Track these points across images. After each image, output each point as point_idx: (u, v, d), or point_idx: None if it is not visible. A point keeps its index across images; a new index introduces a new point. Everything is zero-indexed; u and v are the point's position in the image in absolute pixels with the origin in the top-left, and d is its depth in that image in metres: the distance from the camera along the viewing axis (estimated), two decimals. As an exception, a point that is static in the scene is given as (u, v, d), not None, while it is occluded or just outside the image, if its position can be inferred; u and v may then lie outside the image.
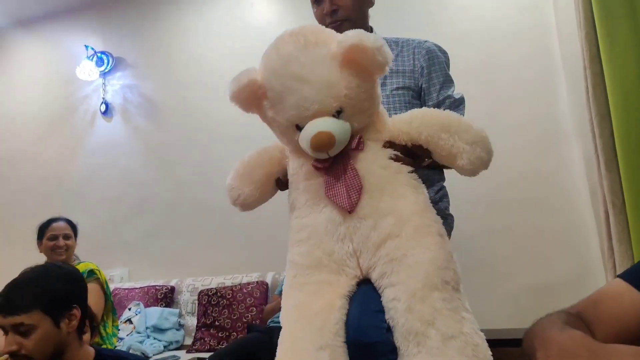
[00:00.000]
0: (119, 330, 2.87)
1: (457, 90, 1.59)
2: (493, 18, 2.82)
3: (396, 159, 1.19)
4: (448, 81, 1.58)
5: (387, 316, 1.08)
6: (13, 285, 1.37)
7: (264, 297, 2.85)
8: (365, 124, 1.20)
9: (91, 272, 2.43)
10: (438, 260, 1.09)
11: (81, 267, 2.44)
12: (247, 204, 1.31)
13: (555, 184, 2.63)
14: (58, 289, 1.41)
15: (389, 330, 1.08)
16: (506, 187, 2.65)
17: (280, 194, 1.38)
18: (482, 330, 1.06)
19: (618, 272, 1.88)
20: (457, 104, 1.54)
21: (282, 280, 2.74)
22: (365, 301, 1.13)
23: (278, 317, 2.33)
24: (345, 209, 1.14)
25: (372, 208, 1.14)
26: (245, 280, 2.98)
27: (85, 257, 2.69)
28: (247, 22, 3.46)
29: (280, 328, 2.32)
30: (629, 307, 0.83)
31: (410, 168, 1.20)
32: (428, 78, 1.56)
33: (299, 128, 1.15)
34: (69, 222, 2.57)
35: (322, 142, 1.10)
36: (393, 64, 1.37)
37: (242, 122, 3.33)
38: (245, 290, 2.86)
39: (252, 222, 3.23)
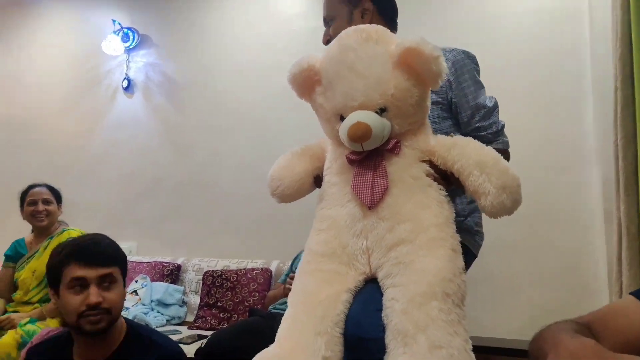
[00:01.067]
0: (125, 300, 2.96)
1: (488, 94, 1.57)
2: (523, 26, 2.83)
3: (432, 177, 1.21)
4: (478, 88, 1.54)
5: (382, 314, 1.10)
6: (94, 242, 1.39)
7: (267, 283, 2.92)
8: (406, 130, 1.22)
9: None
10: (444, 272, 1.09)
11: (62, 238, 2.44)
12: (285, 195, 1.35)
13: (570, 203, 2.65)
14: (122, 252, 1.46)
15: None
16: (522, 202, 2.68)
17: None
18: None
19: (623, 296, 1.90)
20: (491, 112, 1.51)
21: (286, 269, 2.81)
22: (368, 299, 1.16)
23: (280, 303, 2.42)
24: (365, 204, 1.17)
25: (393, 211, 1.16)
26: (250, 266, 3.05)
27: (95, 229, 2.74)
28: (274, 11, 3.50)
29: (281, 314, 2.38)
30: (638, 323, 0.84)
31: (440, 186, 1.22)
32: (458, 91, 1.52)
33: (342, 119, 1.20)
34: (50, 188, 2.57)
35: (359, 133, 1.13)
36: None
37: (261, 111, 3.43)
38: (249, 275, 2.93)
39: (262, 212, 3.30)
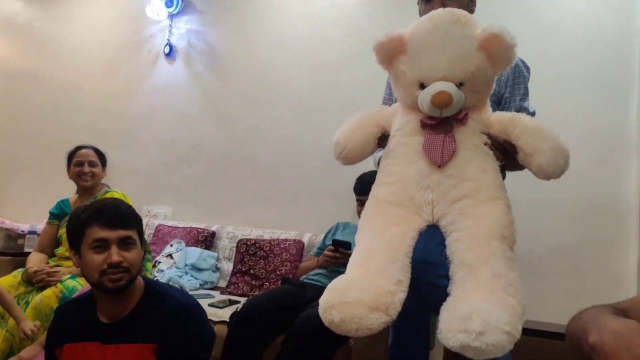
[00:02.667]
0: (160, 262, 3.04)
1: (531, 104, 1.77)
2: (570, 13, 2.75)
3: (489, 147, 1.37)
4: (526, 95, 1.79)
5: (448, 252, 1.27)
6: (114, 205, 1.48)
7: (300, 254, 2.95)
8: (474, 104, 1.38)
9: None
10: (502, 219, 1.28)
11: (111, 195, 2.55)
12: (348, 158, 1.48)
13: (606, 194, 2.61)
14: (139, 216, 1.55)
15: (446, 260, 1.27)
16: (555, 190, 2.63)
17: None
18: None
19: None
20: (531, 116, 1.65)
21: (318, 242, 2.83)
22: (430, 235, 1.33)
23: (312, 274, 2.46)
24: (436, 163, 1.33)
25: (458, 170, 1.33)
26: (283, 237, 3.08)
27: (133, 192, 2.81)
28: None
29: (312, 285, 2.43)
30: None
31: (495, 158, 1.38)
32: (512, 89, 1.77)
33: (422, 87, 1.34)
34: (96, 151, 2.65)
35: (442, 100, 1.29)
36: None
37: (303, 85, 3.42)
38: (282, 246, 2.97)
39: (297, 185, 3.34)
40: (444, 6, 1.61)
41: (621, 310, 0.86)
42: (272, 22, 3.56)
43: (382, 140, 1.49)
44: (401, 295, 1.24)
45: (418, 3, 1.81)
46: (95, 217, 1.43)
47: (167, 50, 3.85)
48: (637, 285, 2.43)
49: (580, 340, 0.78)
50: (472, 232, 1.26)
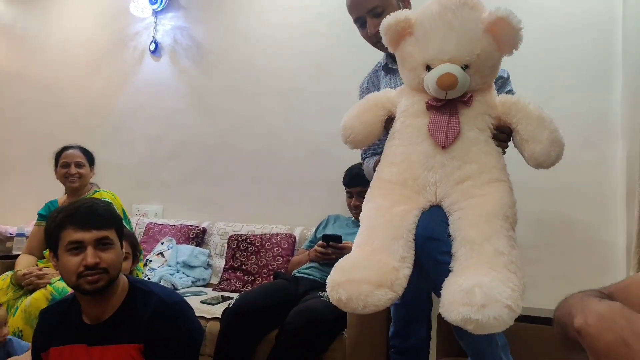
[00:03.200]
0: (151, 261, 3.02)
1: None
2: (557, 3, 2.75)
3: (494, 129, 1.41)
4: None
5: (451, 229, 1.29)
6: (89, 206, 1.45)
7: (291, 249, 2.95)
8: (479, 87, 1.41)
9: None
10: (504, 199, 1.31)
11: (100, 195, 2.52)
12: (356, 141, 1.50)
13: (593, 178, 2.62)
14: (118, 215, 1.53)
15: (449, 238, 1.29)
16: (543, 175, 2.63)
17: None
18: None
19: (642, 270, 1.92)
20: None
21: (310, 235, 2.83)
22: (434, 213, 1.35)
23: (304, 268, 2.46)
24: (440, 144, 1.35)
25: (462, 152, 1.35)
26: (274, 231, 3.07)
27: (121, 191, 2.79)
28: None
29: (305, 278, 2.43)
30: None
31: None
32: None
33: (428, 69, 1.37)
34: (83, 150, 2.62)
35: (448, 82, 1.31)
36: None
37: (290, 77, 3.40)
38: (273, 240, 2.96)
39: (286, 178, 3.32)
40: None
41: (607, 295, 0.87)
42: (256, 15, 3.54)
43: (389, 122, 1.51)
44: (406, 271, 1.27)
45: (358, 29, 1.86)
46: (70, 219, 1.41)
47: (152, 47, 3.83)
48: (626, 268, 2.44)
49: (567, 325, 0.78)
50: (475, 211, 1.28)
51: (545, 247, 2.68)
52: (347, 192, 2.63)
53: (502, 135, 1.41)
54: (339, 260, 1.31)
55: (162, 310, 1.45)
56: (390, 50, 1.48)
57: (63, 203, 2.60)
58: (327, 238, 2.36)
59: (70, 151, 2.58)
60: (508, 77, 1.80)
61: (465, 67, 1.34)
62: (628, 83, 2.49)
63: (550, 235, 2.69)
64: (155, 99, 3.82)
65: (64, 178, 2.55)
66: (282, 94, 3.40)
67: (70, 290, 2.10)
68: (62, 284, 2.18)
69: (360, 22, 1.83)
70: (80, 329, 1.47)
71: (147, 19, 3.88)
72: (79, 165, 2.55)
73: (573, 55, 2.69)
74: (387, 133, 1.52)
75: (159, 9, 3.82)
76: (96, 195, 2.53)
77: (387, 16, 1.41)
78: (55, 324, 1.52)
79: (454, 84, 1.31)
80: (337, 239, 2.33)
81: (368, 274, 1.23)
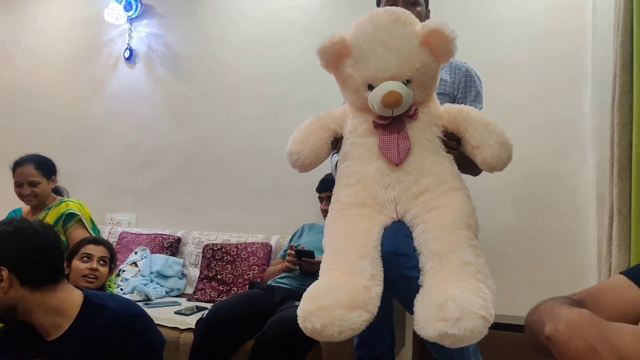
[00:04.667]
0: (124, 271, 2.97)
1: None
2: (526, 12, 2.81)
3: (441, 139, 1.41)
4: (479, 98, 1.87)
5: (416, 244, 1.30)
6: None
7: (267, 258, 2.93)
8: (423, 99, 1.42)
9: (71, 216, 2.39)
10: (464, 208, 1.32)
11: (60, 209, 2.41)
12: (305, 165, 1.48)
13: (565, 186, 2.67)
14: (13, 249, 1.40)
15: (415, 252, 1.30)
16: (516, 185, 2.70)
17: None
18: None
19: (614, 276, 1.95)
20: None
21: (285, 245, 2.81)
22: (397, 228, 1.36)
23: (279, 277, 2.45)
24: (393, 162, 1.35)
25: (416, 167, 1.36)
26: (250, 240, 3.05)
27: (95, 199, 2.72)
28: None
29: (280, 287, 2.41)
30: (629, 300, 0.89)
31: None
32: (464, 91, 1.86)
33: (370, 88, 1.36)
34: (39, 163, 2.44)
35: (392, 100, 1.31)
36: None
37: (266, 84, 3.40)
38: (249, 249, 2.94)
39: (262, 186, 3.31)
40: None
41: (577, 301, 0.88)
42: (232, 23, 3.54)
43: (336, 142, 1.50)
44: (377, 289, 1.25)
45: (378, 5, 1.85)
46: None
47: (127, 54, 3.79)
48: (598, 275, 2.49)
49: (538, 331, 0.79)
50: (438, 223, 1.28)
51: (519, 255, 2.72)
52: (318, 197, 2.69)
53: (452, 142, 1.42)
54: (308, 288, 1.27)
55: (115, 325, 1.39)
56: (329, 72, 1.47)
57: (27, 213, 2.52)
58: (300, 254, 2.35)
59: (23, 168, 2.40)
60: (470, 71, 1.86)
61: (407, 82, 1.34)
62: (597, 93, 2.54)
63: (525, 244, 2.72)
64: (130, 106, 3.77)
65: (20, 197, 2.43)
66: (259, 101, 3.39)
67: None
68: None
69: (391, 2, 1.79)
70: (37, 345, 1.40)
71: (122, 25, 3.84)
72: (32, 184, 2.39)
73: (544, 67, 2.75)
74: (337, 151, 1.52)
75: (133, 16, 3.79)
76: (62, 206, 2.43)
77: (325, 38, 1.40)
78: (11, 341, 1.45)
79: (399, 101, 1.31)
80: (310, 254, 2.33)
81: (339, 298, 1.19)
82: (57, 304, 1.42)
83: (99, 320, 1.40)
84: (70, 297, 1.44)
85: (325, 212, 2.56)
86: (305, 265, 2.33)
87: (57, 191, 2.61)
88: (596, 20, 2.59)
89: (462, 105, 1.46)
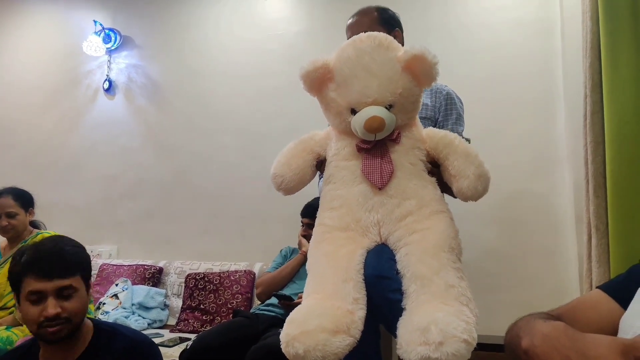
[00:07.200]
0: (104, 304, 2.91)
1: (466, 100, 1.87)
2: (499, 37, 2.90)
3: (424, 163, 1.43)
4: (460, 121, 1.91)
5: (399, 266, 1.30)
6: (54, 252, 1.36)
7: (250, 285, 2.90)
8: (405, 123, 1.44)
9: None
10: (447, 231, 1.33)
11: (42, 238, 2.38)
12: (289, 189, 1.48)
13: (543, 206, 2.71)
14: (86, 258, 1.44)
15: (398, 275, 1.29)
16: (497, 206, 2.73)
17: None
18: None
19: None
20: None
21: (277, 256, 2.77)
22: (380, 251, 1.36)
23: (264, 305, 2.42)
24: (376, 186, 1.36)
25: (399, 190, 1.37)
26: (233, 268, 3.03)
27: (74, 231, 2.67)
28: (258, 15, 3.50)
29: (265, 315, 2.38)
30: (606, 314, 0.90)
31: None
32: (445, 114, 1.90)
33: (354, 112, 1.38)
34: (16, 195, 2.43)
35: (375, 125, 1.32)
36: None
37: (245, 113, 3.42)
38: (232, 278, 2.91)
39: (244, 214, 3.30)
40: None
41: (555, 317, 0.89)
42: (211, 53, 3.58)
43: (320, 165, 1.51)
44: (360, 313, 1.24)
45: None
46: (32, 267, 1.32)
47: (106, 85, 3.79)
48: (580, 292, 2.50)
49: (515, 347, 0.80)
50: (421, 246, 1.29)
51: (502, 275, 2.74)
52: (301, 221, 2.65)
53: (435, 169, 1.45)
54: (290, 313, 1.25)
55: (130, 349, 1.40)
56: (312, 95, 1.48)
57: (4, 248, 2.48)
58: (279, 297, 2.35)
59: (1, 200, 2.39)
60: (451, 94, 1.89)
61: (389, 107, 1.36)
62: (570, 112, 2.60)
63: (507, 264, 2.74)
64: (110, 137, 3.76)
65: None
66: (238, 131, 3.41)
67: (17, 339, 2.00)
68: (6, 333, 2.07)
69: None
70: None
71: (101, 57, 3.85)
72: (9, 215, 2.38)
73: (518, 89, 2.82)
74: (321, 173, 1.52)
75: (113, 48, 3.81)
76: (39, 238, 2.39)
77: (308, 63, 1.41)
78: None
79: (381, 126, 1.32)
80: (288, 298, 2.32)
81: (322, 322, 1.18)
82: (85, 328, 1.43)
83: (113, 347, 1.41)
84: (85, 322, 1.43)
85: (303, 237, 2.57)
86: (283, 307, 2.32)
87: (34, 224, 2.58)
88: (566, 43, 2.68)
89: (447, 131, 1.47)
